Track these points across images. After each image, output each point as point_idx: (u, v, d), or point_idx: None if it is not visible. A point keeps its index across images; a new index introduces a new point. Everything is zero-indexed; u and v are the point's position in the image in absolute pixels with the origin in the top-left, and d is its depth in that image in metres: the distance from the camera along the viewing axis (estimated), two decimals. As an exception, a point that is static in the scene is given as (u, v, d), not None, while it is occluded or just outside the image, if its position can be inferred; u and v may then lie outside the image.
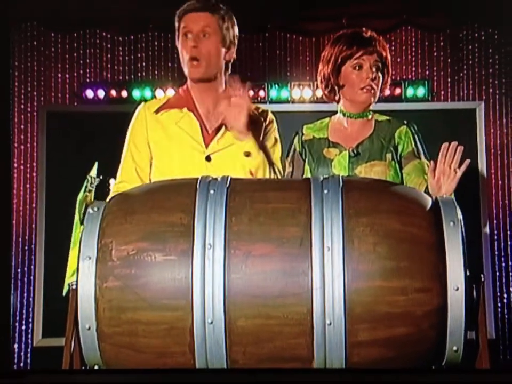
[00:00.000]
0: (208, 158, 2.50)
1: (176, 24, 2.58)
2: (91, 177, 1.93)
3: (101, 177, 1.97)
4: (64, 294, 1.90)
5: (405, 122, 2.71)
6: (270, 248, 1.71)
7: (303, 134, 2.73)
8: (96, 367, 1.77)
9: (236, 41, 2.62)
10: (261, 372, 1.68)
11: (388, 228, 1.71)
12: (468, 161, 2.49)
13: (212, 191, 1.77)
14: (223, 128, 2.53)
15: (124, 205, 1.84)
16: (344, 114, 2.71)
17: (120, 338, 1.72)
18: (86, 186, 1.91)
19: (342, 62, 2.66)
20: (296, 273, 1.68)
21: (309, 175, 2.65)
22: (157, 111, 2.57)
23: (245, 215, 1.74)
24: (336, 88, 2.69)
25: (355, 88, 2.64)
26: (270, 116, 2.63)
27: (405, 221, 1.73)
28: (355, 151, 2.64)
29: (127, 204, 1.84)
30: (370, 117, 2.71)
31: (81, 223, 1.84)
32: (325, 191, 1.75)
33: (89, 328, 1.73)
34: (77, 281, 1.75)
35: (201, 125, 2.55)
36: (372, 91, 2.64)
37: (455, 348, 1.71)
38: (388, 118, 2.73)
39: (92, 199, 1.94)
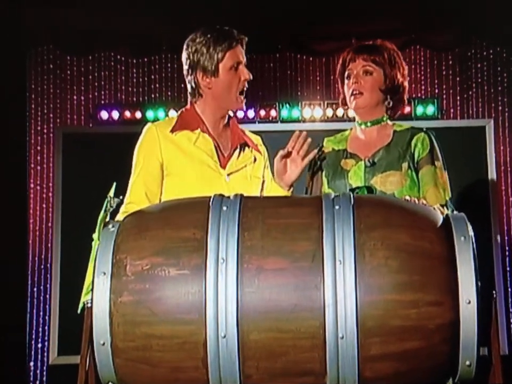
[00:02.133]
0: (227, 178, 2.53)
1: (218, 54, 2.54)
2: (111, 197, 1.95)
3: (121, 197, 1.98)
4: (79, 311, 1.90)
5: (424, 129, 2.69)
6: (283, 262, 1.71)
7: (322, 146, 2.74)
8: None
9: None
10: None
11: (399, 242, 1.71)
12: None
13: (224, 208, 1.77)
14: (238, 149, 2.59)
15: (138, 222, 1.84)
16: (358, 124, 2.72)
17: (134, 353, 1.72)
18: (106, 206, 1.92)
19: (341, 76, 2.71)
20: (309, 287, 1.68)
21: (326, 187, 2.65)
22: (172, 131, 2.57)
23: (258, 230, 1.74)
24: (345, 102, 2.73)
25: (348, 96, 2.67)
26: (263, 146, 2.70)
27: (416, 235, 1.72)
28: (371, 161, 2.63)
29: (141, 221, 1.85)
30: (385, 123, 2.69)
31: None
32: (336, 207, 1.76)
33: (103, 344, 1.73)
34: (92, 296, 1.75)
35: (216, 145, 2.57)
36: (360, 94, 2.63)
37: (468, 363, 1.69)
38: (406, 127, 2.71)
39: (108, 218, 1.94)
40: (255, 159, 2.61)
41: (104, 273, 1.75)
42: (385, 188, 2.56)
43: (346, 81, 2.68)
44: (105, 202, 1.92)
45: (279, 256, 1.71)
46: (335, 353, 1.65)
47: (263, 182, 2.64)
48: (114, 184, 1.99)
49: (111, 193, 1.95)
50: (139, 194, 2.52)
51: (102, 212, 1.89)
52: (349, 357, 1.65)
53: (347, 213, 1.74)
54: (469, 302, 1.67)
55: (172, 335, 1.70)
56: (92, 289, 1.75)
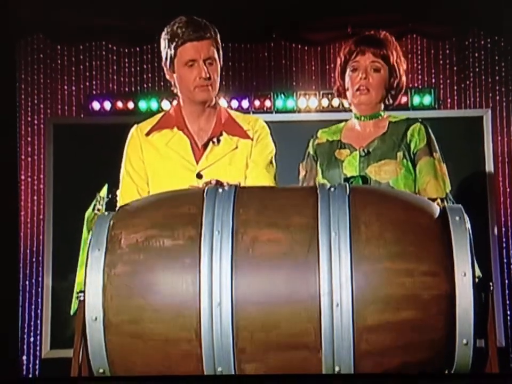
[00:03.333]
0: (199, 175, 2.52)
1: (172, 50, 2.56)
2: (100, 197, 1.96)
3: (110, 196, 1.99)
4: (72, 313, 1.91)
5: (420, 120, 2.70)
6: (277, 234, 1.73)
7: (317, 138, 2.75)
8: (101, 370, 1.76)
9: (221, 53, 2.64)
10: (268, 379, 1.69)
11: (394, 217, 1.73)
12: None
13: (220, 190, 1.80)
14: (210, 143, 2.56)
15: (133, 206, 1.88)
16: (356, 117, 2.72)
17: (127, 327, 1.72)
18: (95, 205, 1.93)
19: (344, 66, 2.69)
20: (303, 258, 1.69)
21: (320, 177, 2.66)
22: (148, 133, 2.59)
23: (253, 207, 1.77)
24: (343, 93, 2.72)
25: (352, 90, 2.67)
26: (259, 130, 2.64)
27: (412, 213, 1.76)
28: (365, 151, 2.64)
29: (136, 205, 1.89)
30: (383, 117, 2.70)
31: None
32: (332, 189, 1.78)
33: (96, 319, 1.73)
34: (85, 272, 1.75)
35: (192, 142, 2.58)
36: (366, 91, 2.64)
37: (464, 341, 1.70)
38: (402, 118, 2.73)
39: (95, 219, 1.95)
40: (236, 147, 2.58)
41: (99, 249, 1.76)
42: (380, 177, 2.57)
43: (350, 72, 2.67)
44: (94, 201, 1.92)
45: (274, 228, 1.72)
46: (330, 323, 1.66)
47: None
48: (106, 185, 2.00)
49: (102, 193, 1.96)
50: (131, 193, 2.54)
51: (90, 209, 1.89)
52: (344, 327, 1.66)
53: (342, 194, 1.77)
54: (465, 275, 1.69)
55: (165, 305, 1.71)
56: (86, 266, 1.75)
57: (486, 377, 1.82)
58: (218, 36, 2.59)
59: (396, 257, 1.69)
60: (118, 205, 2.52)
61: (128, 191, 2.55)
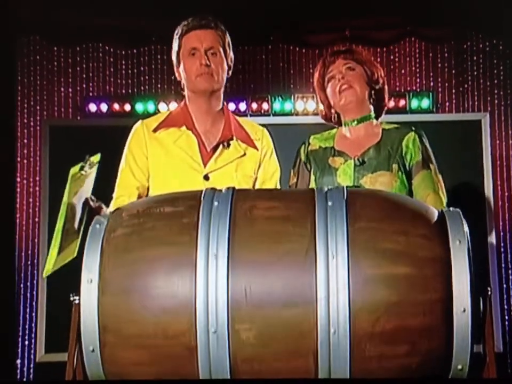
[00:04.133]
0: (206, 177, 2.51)
1: (177, 41, 2.60)
2: (90, 160, 1.95)
3: (96, 167, 1.98)
4: (44, 275, 1.90)
5: (413, 128, 2.70)
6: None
7: (309, 144, 2.74)
8: (91, 348, 1.74)
9: (231, 57, 2.65)
10: (264, 383, 1.69)
11: (394, 223, 1.77)
12: None
13: (216, 203, 1.80)
14: (221, 146, 2.56)
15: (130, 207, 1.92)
16: (346, 124, 2.72)
17: (122, 282, 1.73)
18: (83, 166, 1.93)
19: (323, 81, 2.73)
20: (301, 263, 1.71)
21: (313, 184, 2.66)
22: (155, 130, 2.59)
23: (248, 225, 1.77)
24: (330, 108, 2.75)
25: (335, 96, 2.69)
26: (266, 145, 2.66)
27: (412, 219, 1.78)
28: (360, 160, 2.63)
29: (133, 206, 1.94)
30: (372, 119, 2.71)
31: (69, 203, 1.85)
32: (329, 203, 1.78)
33: (91, 281, 1.74)
34: (82, 243, 1.77)
35: (200, 143, 2.57)
36: (348, 87, 2.66)
37: (462, 308, 1.69)
38: (395, 126, 2.73)
39: (90, 189, 1.96)
40: (244, 154, 2.59)
41: (100, 224, 1.80)
42: (375, 188, 2.56)
43: (329, 84, 2.70)
44: (83, 162, 1.92)
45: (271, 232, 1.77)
46: (325, 275, 1.68)
47: (256, 179, 2.61)
48: (99, 154, 2.01)
49: (93, 158, 1.95)
50: (129, 187, 2.54)
51: (77, 166, 1.88)
52: (340, 278, 1.69)
53: (339, 198, 1.79)
54: (460, 242, 1.70)
55: (163, 256, 1.72)
56: (88, 237, 1.77)
57: (484, 382, 1.82)
58: (227, 34, 2.61)
59: (391, 220, 1.73)
60: (114, 200, 2.52)
61: (127, 185, 2.54)
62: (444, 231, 1.75)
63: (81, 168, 1.91)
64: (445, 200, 2.61)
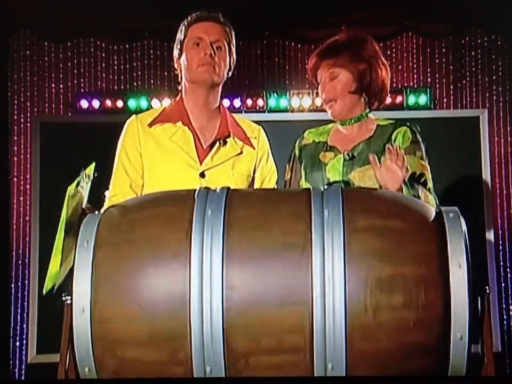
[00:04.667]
0: (202, 174, 2.51)
1: (183, 31, 2.60)
2: (86, 174, 1.95)
3: (96, 174, 1.99)
4: (44, 292, 1.91)
5: (408, 124, 2.70)
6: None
7: (303, 138, 2.75)
8: (83, 310, 1.75)
9: (235, 62, 2.67)
10: (259, 381, 1.69)
11: (389, 221, 1.78)
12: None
13: (209, 211, 1.81)
14: (217, 144, 2.55)
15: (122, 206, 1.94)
16: (340, 124, 2.73)
17: (118, 237, 1.77)
18: (79, 182, 1.93)
19: (316, 79, 2.73)
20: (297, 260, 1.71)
21: (303, 179, 2.66)
22: (151, 124, 2.58)
23: (242, 221, 1.78)
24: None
25: (324, 106, 2.72)
26: (263, 145, 2.67)
27: (407, 216, 1.79)
28: (350, 155, 2.63)
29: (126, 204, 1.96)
30: (367, 118, 2.70)
31: (67, 220, 1.86)
32: (325, 202, 1.80)
33: (87, 243, 1.79)
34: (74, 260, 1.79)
35: (196, 139, 2.56)
36: (333, 102, 2.66)
37: (459, 263, 1.71)
38: (390, 122, 2.72)
39: (85, 199, 1.96)
40: (241, 153, 2.59)
41: (90, 220, 1.85)
42: (364, 182, 2.56)
43: (319, 88, 2.71)
44: (79, 177, 1.92)
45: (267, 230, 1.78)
46: (322, 324, 1.68)
47: (253, 179, 2.62)
48: (94, 163, 2.00)
49: (88, 170, 1.95)
50: (123, 186, 2.54)
51: (73, 185, 1.89)
52: (335, 230, 1.72)
53: (336, 196, 1.80)
54: (460, 266, 1.71)
55: (158, 215, 1.76)
56: (74, 258, 1.78)
57: (482, 381, 1.83)
58: (233, 32, 2.63)
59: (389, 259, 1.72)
60: (108, 199, 2.52)
61: (121, 184, 2.55)
62: (441, 229, 1.76)
63: (78, 184, 1.92)
64: (428, 184, 2.59)
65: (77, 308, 1.74)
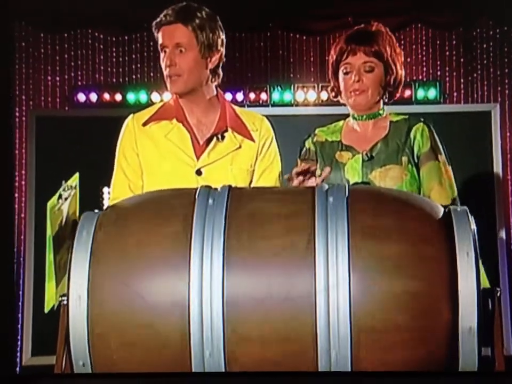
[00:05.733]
0: (198, 172, 2.51)
1: (155, 35, 2.60)
2: (68, 185, 1.95)
3: (77, 187, 1.98)
4: (46, 310, 1.91)
5: (422, 119, 2.71)
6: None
7: (315, 135, 2.75)
8: (80, 352, 1.75)
9: (221, 45, 2.58)
10: (260, 376, 1.71)
11: (395, 220, 1.79)
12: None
13: (210, 201, 1.81)
14: (214, 139, 2.55)
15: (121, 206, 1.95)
16: (354, 118, 2.72)
17: (113, 284, 1.76)
18: (61, 194, 1.92)
19: (336, 66, 2.70)
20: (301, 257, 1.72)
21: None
22: (145, 124, 2.59)
23: (244, 218, 1.79)
24: (339, 93, 2.73)
25: (346, 92, 2.68)
26: (266, 135, 2.65)
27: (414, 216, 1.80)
28: (368, 155, 2.64)
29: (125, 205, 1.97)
30: (383, 115, 2.71)
31: (54, 236, 1.85)
32: (330, 199, 1.80)
33: (87, 232, 1.80)
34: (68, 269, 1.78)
35: (192, 136, 2.57)
36: (361, 93, 2.64)
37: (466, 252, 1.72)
38: (403, 117, 2.73)
39: (77, 209, 1.96)
40: (240, 147, 2.58)
41: (87, 223, 1.84)
42: (385, 183, 2.57)
43: (343, 75, 2.67)
44: (60, 189, 1.92)
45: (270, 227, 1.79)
46: (325, 321, 1.68)
47: (253, 172, 2.61)
48: (77, 174, 2.00)
49: (70, 181, 1.95)
50: (123, 189, 2.55)
51: (54, 198, 1.88)
52: (339, 228, 1.73)
53: (341, 195, 1.81)
54: (466, 245, 1.73)
55: (155, 257, 1.77)
56: (69, 270, 1.77)
57: (493, 376, 1.84)
58: (208, 24, 2.55)
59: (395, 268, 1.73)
60: (109, 202, 2.54)
61: (120, 186, 2.57)
62: (448, 230, 1.76)
63: (59, 197, 1.91)
64: (452, 194, 2.61)
65: (73, 311, 1.75)
